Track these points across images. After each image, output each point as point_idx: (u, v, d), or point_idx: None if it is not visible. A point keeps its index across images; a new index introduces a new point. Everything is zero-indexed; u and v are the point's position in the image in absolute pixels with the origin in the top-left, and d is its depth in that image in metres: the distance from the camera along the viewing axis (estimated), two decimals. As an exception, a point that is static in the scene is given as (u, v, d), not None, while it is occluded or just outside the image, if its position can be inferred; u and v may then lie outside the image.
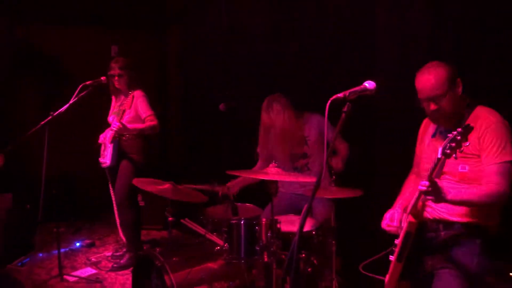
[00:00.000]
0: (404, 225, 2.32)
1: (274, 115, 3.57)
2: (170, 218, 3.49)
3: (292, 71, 4.36)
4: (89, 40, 5.56)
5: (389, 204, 2.63)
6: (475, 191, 2.22)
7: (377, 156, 3.94)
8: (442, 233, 2.36)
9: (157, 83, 4.92)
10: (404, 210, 2.43)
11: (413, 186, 2.48)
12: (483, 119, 2.27)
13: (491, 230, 2.34)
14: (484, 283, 2.37)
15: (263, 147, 3.73)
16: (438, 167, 2.12)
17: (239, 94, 4.50)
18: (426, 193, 2.13)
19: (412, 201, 2.31)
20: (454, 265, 2.30)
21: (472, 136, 2.22)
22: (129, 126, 4.00)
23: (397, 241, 2.35)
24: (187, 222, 3.69)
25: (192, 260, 3.17)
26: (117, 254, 4.45)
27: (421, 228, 2.34)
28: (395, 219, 2.43)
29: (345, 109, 2.08)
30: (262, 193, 3.71)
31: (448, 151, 2.04)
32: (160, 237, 4.91)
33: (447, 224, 2.35)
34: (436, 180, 2.14)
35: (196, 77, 4.75)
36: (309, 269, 3.11)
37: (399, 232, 2.37)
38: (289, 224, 3.27)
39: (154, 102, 4.25)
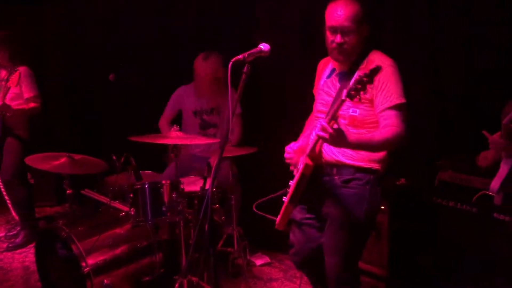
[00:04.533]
0: (300, 167, 2.29)
1: (212, 66, 3.78)
2: (68, 191, 3.47)
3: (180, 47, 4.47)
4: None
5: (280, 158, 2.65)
6: (377, 135, 2.21)
7: (265, 117, 4.25)
8: (336, 177, 2.38)
9: (35, 59, 4.69)
10: (303, 150, 2.38)
11: (314, 126, 2.45)
12: (377, 63, 2.11)
13: (380, 173, 2.39)
14: (359, 239, 2.46)
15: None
16: (340, 109, 2.06)
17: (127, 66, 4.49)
18: (324, 138, 2.06)
19: (311, 144, 2.27)
20: (343, 210, 2.35)
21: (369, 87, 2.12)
22: (13, 106, 3.87)
23: (291, 183, 2.36)
24: (88, 192, 3.66)
25: (98, 228, 3.20)
26: (11, 233, 4.29)
27: (317, 172, 2.30)
28: (293, 150, 2.43)
29: (244, 70, 2.25)
30: (159, 158, 3.85)
31: (353, 92, 1.97)
32: (55, 212, 4.79)
33: (341, 167, 2.37)
34: (341, 124, 2.08)
35: (80, 51, 4.62)
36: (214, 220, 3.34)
37: (295, 170, 2.38)
38: (191, 184, 3.44)
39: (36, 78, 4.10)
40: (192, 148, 3.92)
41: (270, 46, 2.32)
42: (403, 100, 2.27)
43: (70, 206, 3.49)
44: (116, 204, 3.42)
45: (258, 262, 3.79)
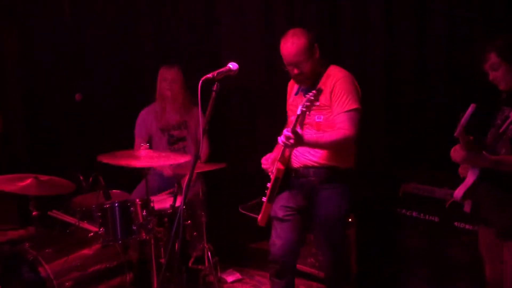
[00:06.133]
0: (274, 171, 2.67)
1: (175, 74, 3.85)
2: (34, 213, 3.40)
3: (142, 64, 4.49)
4: None
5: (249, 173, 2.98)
6: (327, 135, 2.62)
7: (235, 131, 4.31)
8: (313, 178, 2.72)
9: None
10: (277, 158, 2.74)
11: None
12: (333, 76, 2.68)
13: (349, 174, 2.76)
14: (344, 228, 2.85)
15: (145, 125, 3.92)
16: (299, 121, 2.51)
17: (93, 83, 4.47)
18: (285, 144, 2.49)
19: (280, 150, 2.66)
20: (329, 209, 2.71)
21: (325, 92, 2.64)
22: None
23: (268, 185, 2.70)
24: (56, 213, 3.60)
25: (67, 249, 3.16)
26: (-27, 259, 4.13)
27: (288, 173, 2.71)
28: (268, 160, 2.80)
29: (214, 88, 2.32)
30: (128, 176, 3.82)
31: (304, 109, 2.49)
32: (18, 235, 4.63)
33: (317, 168, 2.71)
34: (298, 130, 2.51)
35: (42, 71, 4.57)
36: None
37: (271, 176, 2.71)
38: (161, 202, 3.44)
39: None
40: (161, 167, 3.90)
41: (237, 63, 2.42)
42: (355, 106, 2.63)
43: (37, 229, 3.42)
44: (85, 225, 3.36)
45: (229, 278, 3.80)
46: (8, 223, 4.81)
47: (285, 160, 2.69)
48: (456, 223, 2.88)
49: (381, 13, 3.44)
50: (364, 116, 3.54)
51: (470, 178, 2.29)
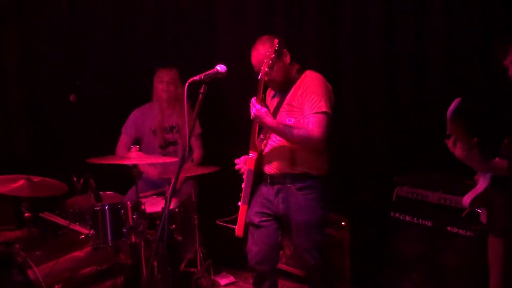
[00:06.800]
0: (247, 163, 2.72)
1: (172, 76, 3.83)
2: (26, 214, 3.39)
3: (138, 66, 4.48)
4: None
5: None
6: (295, 130, 2.60)
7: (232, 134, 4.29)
8: (289, 185, 2.71)
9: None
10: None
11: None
12: (308, 78, 2.70)
13: (324, 180, 2.74)
14: (323, 231, 2.82)
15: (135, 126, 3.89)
16: (260, 90, 2.61)
17: (91, 84, 4.46)
18: (256, 115, 2.57)
19: (251, 138, 2.72)
20: (307, 215, 2.69)
21: (298, 92, 2.65)
22: None
23: (243, 186, 2.71)
24: (47, 215, 3.58)
25: (57, 252, 3.13)
26: (-33, 259, 4.13)
27: (260, 168, 2.75)
28: (241, 159, 2.85)
29: (201, 90, 2.31)
30: (123, 179, 3.81)
31: (266, 69, 2.59)
32: (15, 237, 4.63)
33: (293, 176, 2.69)
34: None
35: (42, 71, 4.58)
36: (176, 242, 3.32)
37: (244, 176, 2.75)
38: (152, 205, 3.42)
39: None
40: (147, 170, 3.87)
41: (228, 66, 2.41)
42: (326, 110, 2.60)
43: (28, 230, 3.40)
44: (76, 227, 3.35)
45: (223, 282, 3.78)
46: (5, 224, 4.84)
47: (256, 146, 2.73)
48: (449, 228, 2.84)
49: (380, 12, 3.42)
50: (360, 118, 3.53)
51: (481, 185, 2.24)
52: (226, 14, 4.21)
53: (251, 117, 2.64)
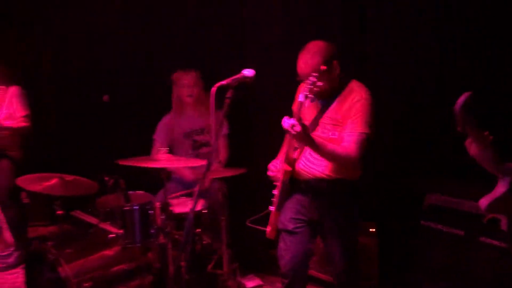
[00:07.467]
0: (280, 175, 2.64)
1: (194, 79, 3.82)
2: (59, 212, 3.47)
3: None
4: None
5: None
6: (334, 147, 2.53)
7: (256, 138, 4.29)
8: (326, 190, 2.66)
9: (30, 78, 4.76)
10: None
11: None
12: (356, 93, 2.58)
13: (357, 186, 2.71)
14: (355, 237, 2.82)
15: (165, 130, 3.90)
16: (300, 110, 2.38)
17: (120, 85, 4.54)
18: (289, 132, 2.34)
19: (286, 151, 2.64)
20: (343, 220, 2.69)
21: (344, 106, 2.56)
22: (4, 124, 3.91)
23: (275, 192, 2.67)
24: (78, 213, 3.67)
25: (87, 250, 3.21)
26: (4, 254, 4.27)
27: (298, 181, 2.69)
28: (275, 167, 2.77)
29: (228, 95, 2.31)
30: (154, 178, 3.86)
31: (307, 93, 2.34)
32: (48, 232, 4.77)
33: (330, 181, 2.65)
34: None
35: (73, 70, 4.69)
36: (203, 243, 3.34)
37: (277, 182, 2.69)
38: (181, 206, 3.45)
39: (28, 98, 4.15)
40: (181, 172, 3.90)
41: (256, 67, 2.41)
42: (367, 131, 2.55)
43: (60, 227, 3.49)
44: (106, 226, 3.41)
45: (249, 284, 3.77)
46: (40, 219, 5.00)
47: (291, 160, 2.66)
48: (482, 238, 2.75)
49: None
50: (390, 124, 3.46)
51: (499, 189, 2.16)
52: (252, 14, 4.19)
53: (290, 136, 2.43)
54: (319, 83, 2.33)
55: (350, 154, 2.53)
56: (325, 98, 2.64)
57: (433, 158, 3.29)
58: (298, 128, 2.30)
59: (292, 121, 2.31)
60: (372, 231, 3.35)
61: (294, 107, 2.80)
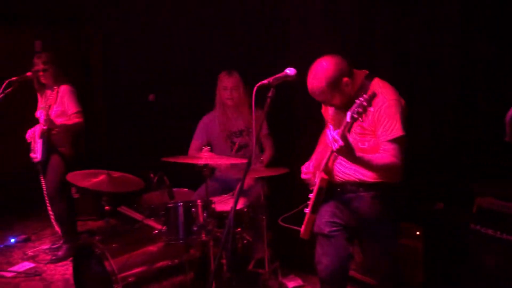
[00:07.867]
0: (317, 181, 2.60)
1: (236, 82, 3.84)
2: (106, 207, 3.57)
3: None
4: (9, 36, 5.37)
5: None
6: (378, 158, 2.47)
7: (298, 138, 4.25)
8: (363, 194, 2.63)
9: (80, 77, 4.92)
10: (318, 167, 2.70)
11: (326, 142, 2.60)
12: (380, 97, 2.43)
13: (397, 188, 2.63)
14: (395, 239, 2.78)
15: (205, 132, 3.96)
16: (347, 128, 2.27)
17: (166, 84, 4.62)
18: (338, 150, 2.26)
19: (325, 160, 2.60)
20: (380, 223, 2.63)
21: (369, 114, 2.38)
22: (56, 121, 4.03)
23: (311, 195, 2.65)
24: (124, 209, 3.77)
25: (132, 245, 3.28)
26: (54, 246, 4.46)
27: (336, 186, 2.68)
28: (309, 169, 2.78)
29: (269, 94, 2.30)
30: (197, 176, 3.91)
31: (355, 115, 2.20)
32: (97, 227, 4.95)
33: (367, 185, 2.62)
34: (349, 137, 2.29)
35: (121, 70, 4.81)
36: (244, 242, 3.35)
37: (313, 186, 2.68)
38: (223, 204, 3.47)
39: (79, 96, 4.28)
40: (226, 170, 3.93)
41: (298, 68, 2.38)
42: (401, 133, 2.46)
43: (108, 222, 3.59)
44: (150, 222, 3.48)
45: (291, 284, 3.74)
46: (89, 214, 5.19)
47: (329, 170, 2.64)
48: (535, 245, 2.61)
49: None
50: (435, 124, 3.35)
51: None
52: (294, 14, 4.15)
53: (332, 150, 2.33)
54: (369, 108, 2.21)
55: (395, 162, 2.47)
56: (347, 106, 2.43)
57: (485, 161, 3.15)
58: (341, 143, 2.23)
59: (335, 135, 2.24)
60: (418, 234, 3.24)
61: (323, 111, 2.88)
